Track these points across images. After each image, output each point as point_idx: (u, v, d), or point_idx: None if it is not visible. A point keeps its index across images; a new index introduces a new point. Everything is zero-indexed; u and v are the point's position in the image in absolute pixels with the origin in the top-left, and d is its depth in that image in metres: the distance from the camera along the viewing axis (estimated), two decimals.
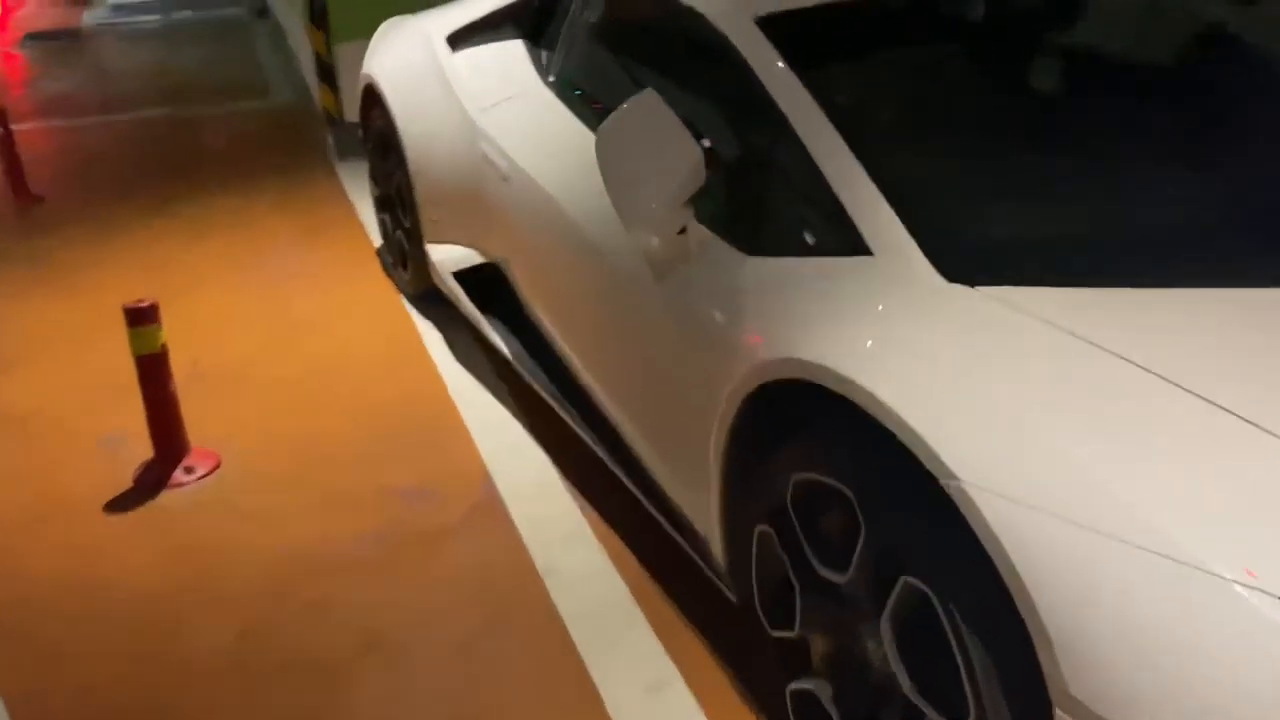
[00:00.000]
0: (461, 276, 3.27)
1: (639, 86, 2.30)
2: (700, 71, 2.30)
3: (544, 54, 3.01)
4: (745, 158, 2.04)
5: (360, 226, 4.76)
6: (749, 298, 1.80)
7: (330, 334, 3.69)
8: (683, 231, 1.94)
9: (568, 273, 2.47)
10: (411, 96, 3.40)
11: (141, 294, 2.80)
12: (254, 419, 3.18)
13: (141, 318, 2.65)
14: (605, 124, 1.95)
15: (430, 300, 3.83)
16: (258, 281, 4.16)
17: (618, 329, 2.25)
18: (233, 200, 5.17)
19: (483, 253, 3.16)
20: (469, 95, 3.09)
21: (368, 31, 5.66)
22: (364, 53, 5.85)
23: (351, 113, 5.72)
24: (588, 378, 2.52)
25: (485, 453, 2.92)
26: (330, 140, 5.77)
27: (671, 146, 1.89)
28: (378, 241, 4.54)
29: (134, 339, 2.67)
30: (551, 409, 2.75)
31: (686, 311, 1.94)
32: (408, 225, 3.66)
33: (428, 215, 3.42)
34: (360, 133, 4.18)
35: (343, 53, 5.68)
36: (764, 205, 1.94)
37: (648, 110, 1.92)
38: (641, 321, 2.11)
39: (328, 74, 5.67)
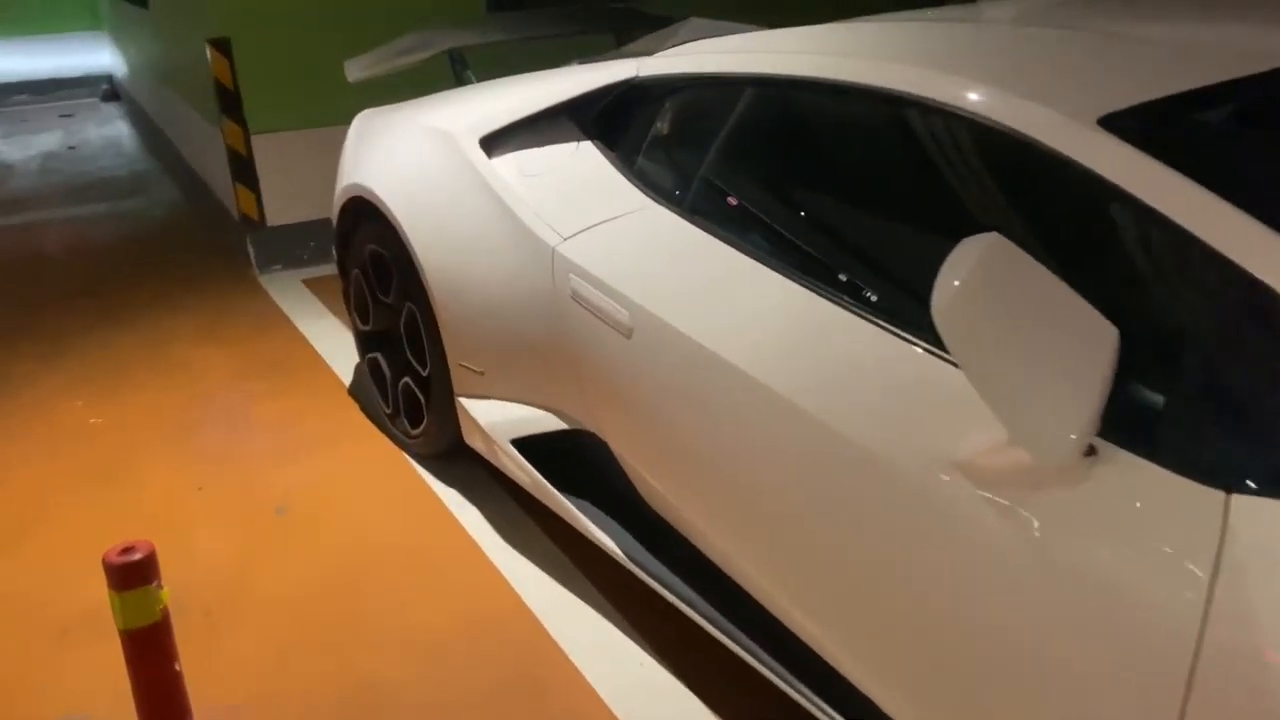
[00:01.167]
0: (524, 444, 2.52)
1: (887, 223, 1.64)
2: (1010, 207, 1.65)
3: (644, 163, 2.32)
4: (1165, 328, 1.39)
5: (317, 359, 3.90)
6: (1239, 574, 1.15)
7: (334, 521, 2.85)
8: (1090, 453, 1.28)
9: (770, 471, 1.76)
10: (437, 215, 2.64)
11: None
12: (266, 666, 2.31)
13: (132, 575, 1.80)
14: (945, 291, 1.27)
15: (450, 461, 3.04)
16: (210, 450, 3.26)
17: (884, 563, 1.55)
18: (145, 329, 4.22)
19: (563, 417, 2.41)
20: (539, 216, 2.36)
21: (290, 122, 4.87)
22: (286, 146, 5.11)
23: (278, 216, 4.86)
24: (784, 604, 1.82)
25: (609, 698, 2.16)
26: (251, 249, 4.88)
27: (1064, 325, 1.23)
28: (346, 379, 3.71)
29: (122, 607, 1.81)
30: (680, 620, 2.03)
31: (1080, 574, 1.27)
32: (425, 372, 2.87)
33: (464, 364, 2.65)
34: (335, 253, 3.36)
35: (262, 147, 4.82)
36: (1229, 407, 1.30)
37: (1007, 265, 1.26)
38: (954, 565, 1.43)
39: (246, 172, 4.79)
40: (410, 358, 2.95)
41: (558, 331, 2.29)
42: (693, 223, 2.07)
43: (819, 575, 1.69)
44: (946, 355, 1.52)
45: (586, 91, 2.46)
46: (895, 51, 1.85)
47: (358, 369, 3.76)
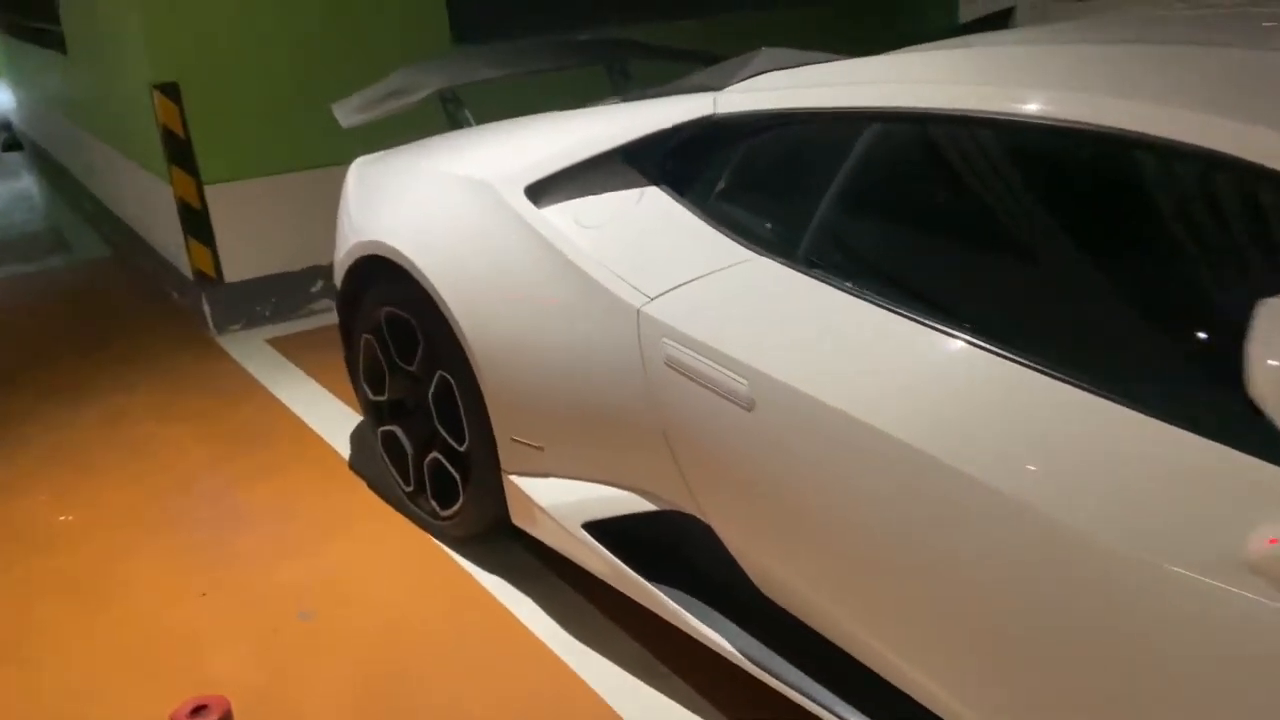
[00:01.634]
0: (598, 528, 2.23)
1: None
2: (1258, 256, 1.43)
3: (734, 209, 2.05)
4: None
5: (303, 428, 3.54)
6: None
7: (366, 618, 2.49)
8: None
9: (957, 564, 1.50)
10: (480, 275, 2.33)
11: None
12: None
13: None
14: (1266, 373, 1.04)
15: (485, 542, 2.73)
16: (204, 547, 2.88)
17: (1145, 692, 1.31)
18: (97, 406, 3.79)
19: (650, 497, 2.13)
20: (613, 273, 2.08)
21: (245, 170, 4.48)
22: (242, 196, 4.68)
23: (236, 271, 4.47)
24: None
25: None
26: (206, 308, 4.47)
27: None
28: (343, 450, 3.35)
29: None
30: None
31: None
32: (462, 447, 2.56)
33: (518, 439, 2.35)
34: (339, 317, 3.02)
35: (216, 197, 4.42)
36: None
37: None
38: (1251, 696, 1.20)
39: (200, 225, 4.39)
40: (441, 431, 2.63)
41: (646, 403, 2.01)
42: (813, 276, 1.82)
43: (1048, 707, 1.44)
44: (1178, 423, 1.30)
45: (650, 132, 2.19)
46: (1057, 79, 1.63)
47: (355, 438, 3.41)
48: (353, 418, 3.57)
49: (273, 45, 4.39)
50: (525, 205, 2.28)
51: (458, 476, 2.63)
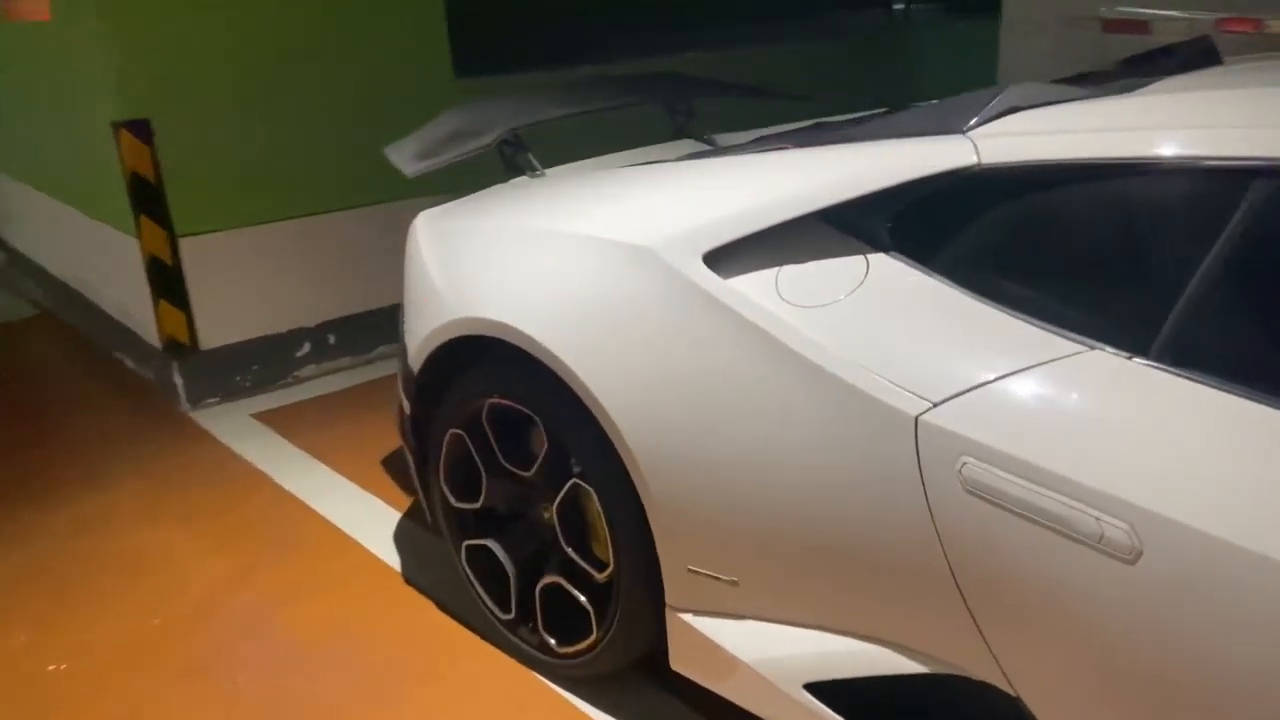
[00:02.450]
0: (827, 689, 1.75)
1: None
2: None
3: (1025, 287, 1.61)
4: None
5: (329, 529, 2.95)
6: None
7: None
8: None
9: None
10: (648, 363, 1.83)
11: None
12: None
13: None
14: None
15: (617, 683, 2.21)
16: (254, 703, 2.28)
17: None
18: (69, 509, 3.11)
19: (918, 656, 1.65)
20: (866, 368, 1.61)
21: (226, 219, 3.86)
22: (220, 250, 4.01)
23: (213, 336, 3.85)
24: None
25: None
26: (179, 380, 3.81)
27: None
28: (389, 558, 2.78)
29: None
30: None
31: None
32: (603, 575, 2.04)
33: (699, 569, 1.86)
34: (408, 408, 2.46)
35: (191, 252, 3.79)
36: None
37: None
38: None
39: (172, 284, 3.75)
40: (569, 551, 2.11)
41: (925, 536, 1.55)
42: (1188, 376, 1.39)
43: None
44: None
45: (875, 189, 1.74)
46: None
47: (405, 544, 2.84)
48: (389, 514, 3.00)
49: (254, 79, 3.80)
50: (708, 278, 1.80)
51: (590, 608, 2.11)
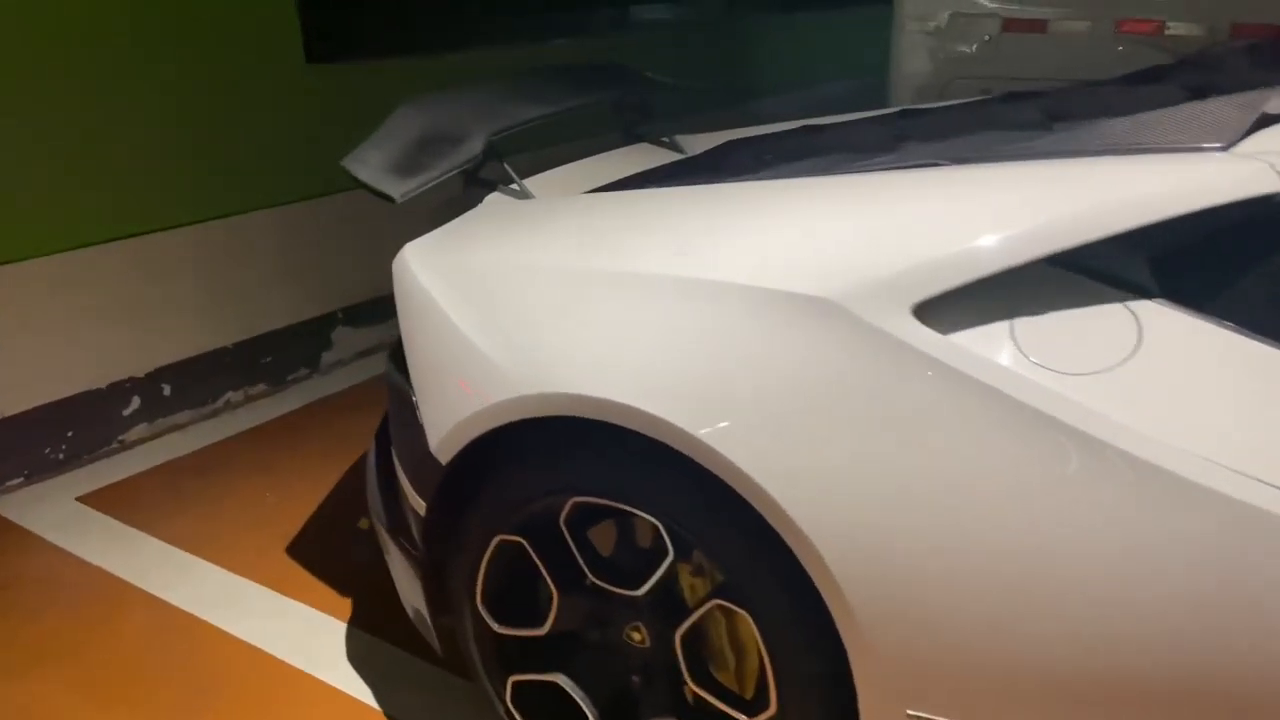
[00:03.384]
0: None
1: None
2: None
3: None
4: None
5: (248, 651, 2.25)
6: None
7: None
8: None
9: None
10: (850, 451, 1.38)
11: None
12: None
13: None
14: None
15: None
16: None
17: None
18: None
19: None
20: (1192, 453, 1.24)
21: (15, 248, 2.93)
22: (18, 286, 2.98)
23: (14, 400, 2.98)
24: None
25: None
26: None
27: None
28: (351, 688, 2.14)
29: None
30: None
31: None
32: (763, 717, 1.56)
33: (923, 714, 1.43)
34: (420, 505, 1.84)
35: None
36: None
37: None
38: None
39: None
40: (698, 690, 1.61)
41: None
42: None
43: None
44: None
45: (1135, 224, 1.37)
46: None
47: (366, 665, 2.20)
48: (329, 627, 2.34)
49: (60, 65, 2.93)
50: (930, 339, 1.38)
51: None
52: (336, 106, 3.67)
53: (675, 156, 2.46)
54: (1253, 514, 1.19)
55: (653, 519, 1.57)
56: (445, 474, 1.73)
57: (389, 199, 1.87)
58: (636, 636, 1.71)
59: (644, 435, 1.50)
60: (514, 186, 2.03)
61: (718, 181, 1.85)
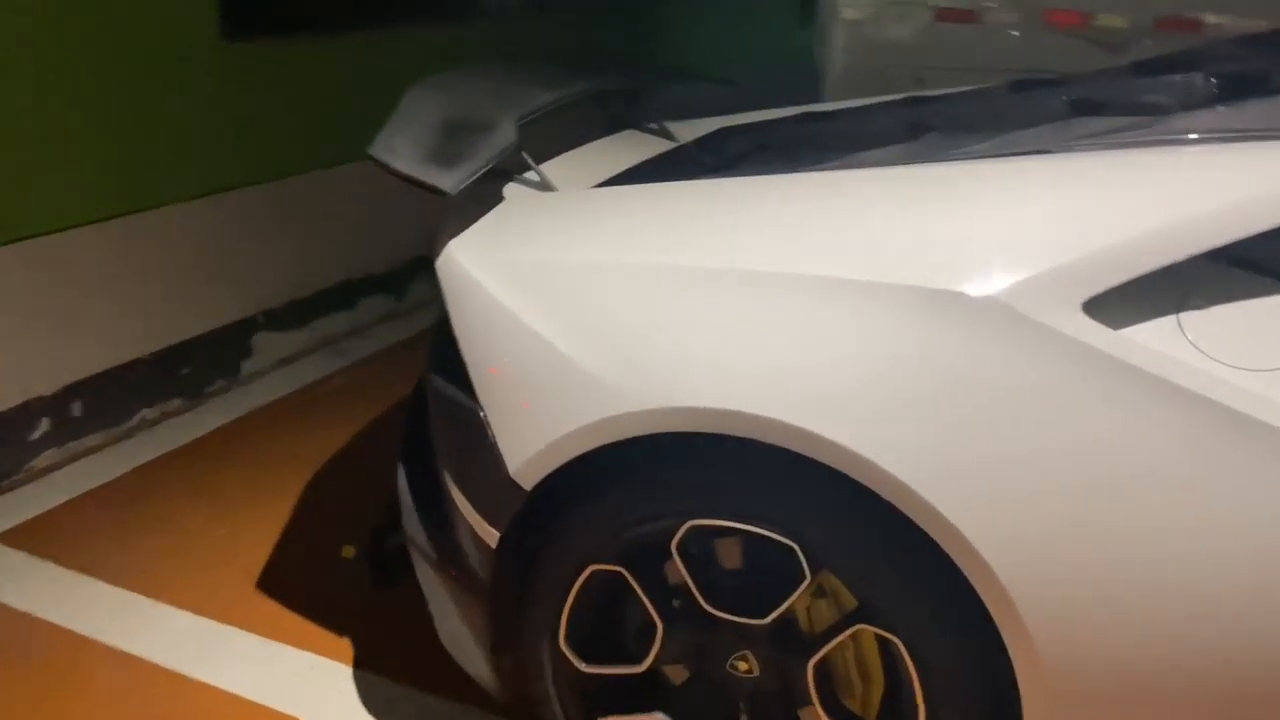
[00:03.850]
0: None
1: None
2: None
3: None
4: None
5: (235, 703, 1.98)
6: None
7: None
8: None
9: None
10: (1033, 467, 1.27)
11: None
12: None
13: None
14: None
15: None
16: None
17: None
18: None
19: None
20: None
21: None
22: None
23: None
24: None
25: None
26: None
27: None
28: None
29: None
30: None
31: None
32: None
33: None
34: (492, 534, 1.62)
35: None
36: None
37: None
38: None
39: None
40: (826, 716, 1.48)
41: None
42: None
43: None
44: None
45: None
46: None
47: (397, 712, 1.96)
48: (319, 666, 2.10)
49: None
50: (1105, 335, 1.29)
51: None
52: (256, 88, 3.34)
53: (665, 144, 2.31)
54: None
55: (786, 540, 1.43)
56: (528, 500, 1.54)
57: (439, 191, 1.66)
58: (743, 666, 1.56)
59: (778, 449, 1.36)
60: (532, 175, 1.84)
61: (780, 170, 1.73)
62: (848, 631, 1.44)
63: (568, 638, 1.61)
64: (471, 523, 1.63)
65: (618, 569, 1.54)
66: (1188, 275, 1.34)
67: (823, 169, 1.67)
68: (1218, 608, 1.25)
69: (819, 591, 1.52)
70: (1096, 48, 3.80)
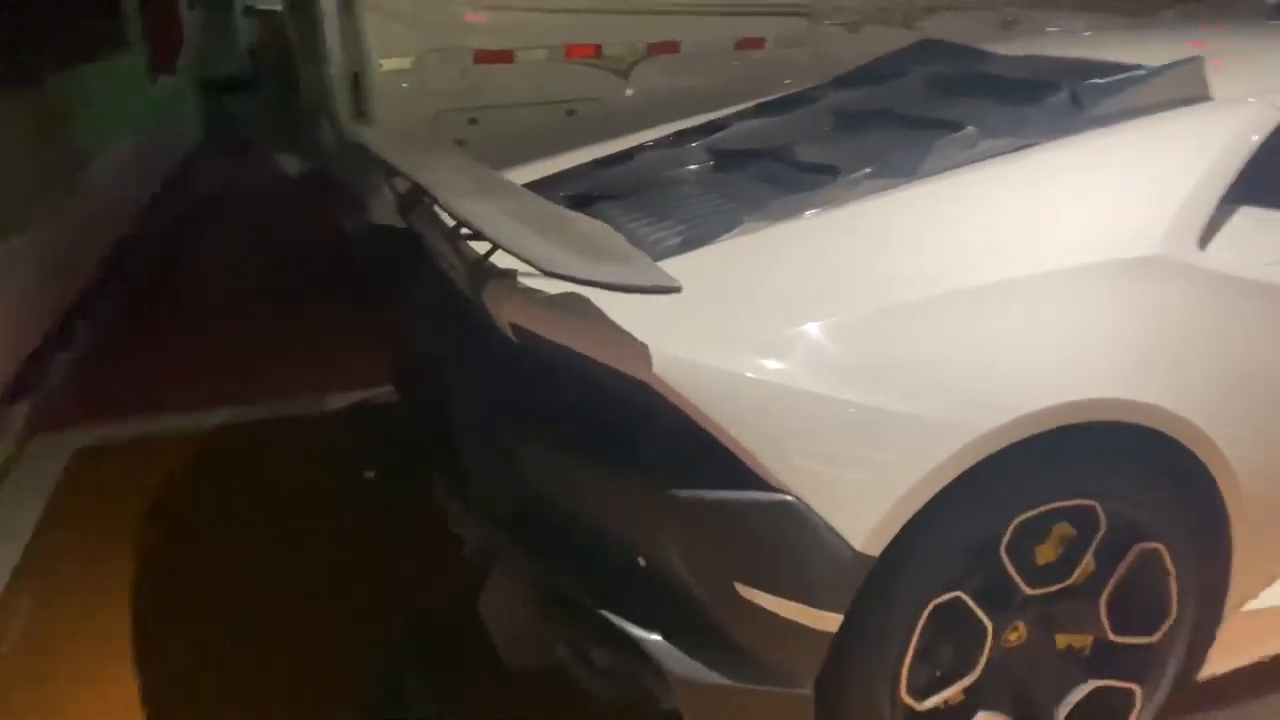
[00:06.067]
0: None
1: None
2: None
3: None
4: None
5: None
6: None
7: None
8: None
9: None
10: None
11: None
12: None
13: None
14: None
15: None
16: None
17: None
18: None
19: None
20: None
21: None
22: None
23: None
24: None
25: None
26: None
27: None
28: None
29: None
30: None
31: None
32: (1155, 636, 1.68)
33: None
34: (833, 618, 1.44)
35: None
36: None
37: None
38: None
39: None
40: (1116, 636, 1.67)
41: None
42: None
43: None
44: None
45: None
46: None
47: None
48: None
49: None
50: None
51: (1135, 689, 1.73)
52: None
53: None
54: None
55: (1089, 502, 1.59)
56: (875, 566, 1.46)
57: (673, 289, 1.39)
58: (1013, 637, 1.69)
59: (1082, 429, 1.52)
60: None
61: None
62: (1131, 555, 1.66)
63: (908, 682, 1.56)
64: (790, 618, 1.48)
65: (955, 595, 1.54)
66: None
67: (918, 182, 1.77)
68: None
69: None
70: (609, 73, 4.23)
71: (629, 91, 4.20)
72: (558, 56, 4.13)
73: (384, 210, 3.53)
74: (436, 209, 1.80)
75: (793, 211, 1.75)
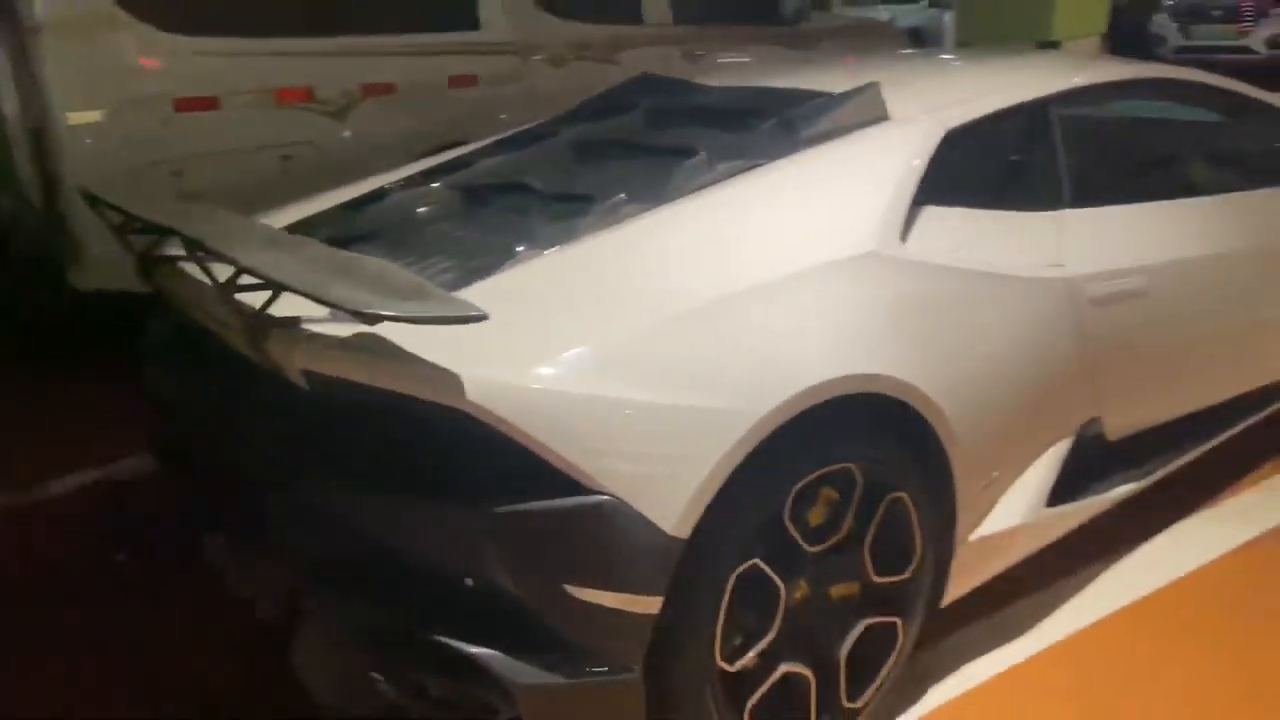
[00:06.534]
0: None
1: None
2: None
3: None
4: None
5: None
6: None
7: None
8: None
9: None
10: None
11: None
12: None
13: None
14: None
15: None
16: None
17: None
18: None
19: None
20: None
21: None
22: None
23: None
24: None
25: None
26: None
27: None
28: None
29: None
30: None
31: None
32: (904, 574, 1.96)
33: (980, 483, 2.09)
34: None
35: None
36: None
37: None
38: None
39: None
40: (877, 579, 1.93)
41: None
42: None
43: None
44: None
45: None
46: None
47: None
48: None
49: None
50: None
51: (897, 621, 2.01)
52: None
53: None
54: None
55: (847, 465, 1.85)
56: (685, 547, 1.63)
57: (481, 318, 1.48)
58: (798, 595, 1.92)
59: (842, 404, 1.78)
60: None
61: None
62: (882, 507, 1.93)
63: (722, 646, 1.73)
64: (617, 608, 1.61)
65: (753, 564, 1.74)
66: None
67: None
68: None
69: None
70: (324, 116, 4.18)
71: (346, 134, 4.17)
72: (267, 101, 4.03)
73: (111, 274, 3.31)
74: (202, 262, 1.76)
75: (564, 238, 1.88)
